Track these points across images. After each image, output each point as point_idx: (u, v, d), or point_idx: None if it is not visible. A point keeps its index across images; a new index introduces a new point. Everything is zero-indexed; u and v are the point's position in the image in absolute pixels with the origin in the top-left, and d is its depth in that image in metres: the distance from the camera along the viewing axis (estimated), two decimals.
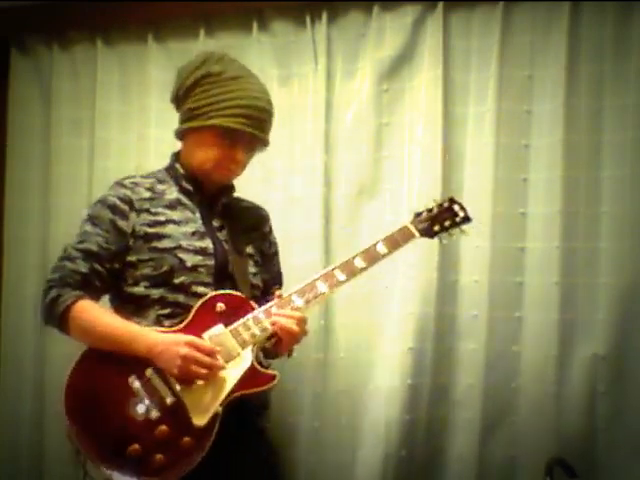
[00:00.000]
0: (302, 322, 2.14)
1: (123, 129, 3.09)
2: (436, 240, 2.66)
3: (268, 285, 2.32)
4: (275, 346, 2.17)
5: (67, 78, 3.15)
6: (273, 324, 2.10)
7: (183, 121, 2.24)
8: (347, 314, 2.81)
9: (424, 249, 2.69)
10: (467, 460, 2.66)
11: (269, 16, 2.94)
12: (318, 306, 2.73)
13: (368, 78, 2.83)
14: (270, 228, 2.42)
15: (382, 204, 2.82)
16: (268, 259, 2.37)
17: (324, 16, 2.85)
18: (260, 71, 2.87)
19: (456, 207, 2.34)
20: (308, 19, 2.87)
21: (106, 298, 2.24)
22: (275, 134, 2.90)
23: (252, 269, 2.26)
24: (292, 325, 2.10)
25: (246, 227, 2.31)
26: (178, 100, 2.26)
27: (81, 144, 3.13)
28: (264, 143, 2.25)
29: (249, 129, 2.16)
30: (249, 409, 2.15)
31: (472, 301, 2.70)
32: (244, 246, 2.26)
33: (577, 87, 2.62)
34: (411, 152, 2.79)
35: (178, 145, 2.98)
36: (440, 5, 2.73)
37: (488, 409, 2.66)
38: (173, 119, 3.01)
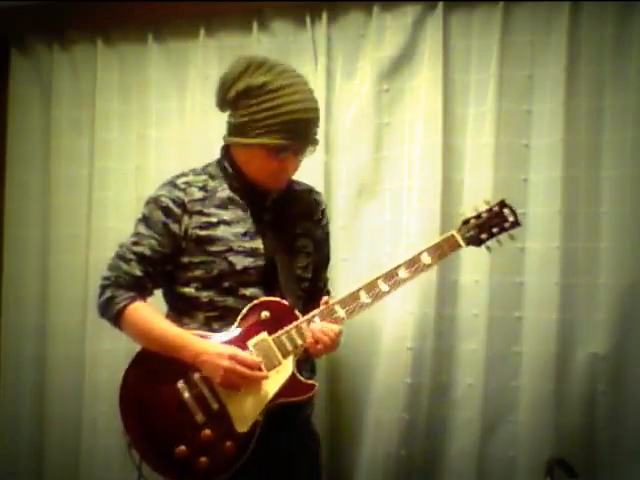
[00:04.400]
0: (338, 336, 2.16)
1: (123, 129, 3.09)
2: (435, 239, 2.67)
3: (318, 270, 2.35)
4: (306, 352, 2.20)
5: (67, 78, 3.15)
6: (311, 336, 2.13)
7: (230, 134, 2.22)
8: None
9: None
10: (467, 460, 2.66)
11: (269, 16, 2.94)
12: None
13: (368, 78, 2.83)
14: (323, 212, 2.40)
15: (382, 204, 2.82)
16: (319, 245, 2.36)
17: (324, 16, 2.86)
18: None
19: (506, 211, 2.24)
20: (308, 19, 2.88)
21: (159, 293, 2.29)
22: None
23: (303, 262, 2.28)
24: (327, 341, 2.13)
25: (298, 215, 2.31)
26: (222, 108, 2.25)
27: (81, 144, 3.14)
28: (314, 144, 2.23)
29: (297, 141, 2.15)
30: (290, 407, 2.18)
31: (472, 301, 2.70)
32: (296, 239, 2.28)
33: (577, 87, 2.62)
34: (411, 152, 2.79)
35: (179, 145, 3.02)
36: (440, 5, 2.73)
37: (488, 409, 2.66)
38: (173, 119, 3.04)
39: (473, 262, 2.69)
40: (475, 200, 2.66)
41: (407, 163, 2.80)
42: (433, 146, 2.72)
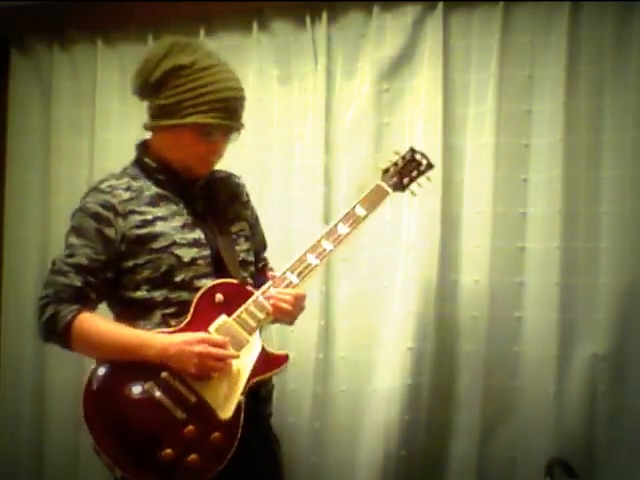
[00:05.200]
0: (299, 299, 2.14)
1: (123, 129, 3.09)
2: (435, 239, 2.68)
3: (258, 252, 2.32)
4: (277, 320, 2.18)
5: (67, 78, 3.15)
6: (272, 306, 2.09)
7: (155, 117, 2.14)
8: (347, 314, 2.81)
9: (424, 249, 2.70)
10: (467, 460, 2.66)
11: (269, 16, 2.94)
12: (318, 306, 2.76)
13: (368, 78, 2.83)
14: (247, 195, 2.35)
15: (382, 204, 2.81)
16: (253, 227, 2.33)
17: (324, 16, 2.85)
18: (260, 71, 2.90)
19: (418, 156, 2.39)
20: (308, 19, 2.87)
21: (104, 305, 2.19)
22: (275, 134, 2.93)
23: (244, 246, 2.23)
24: (288, 305, 2.09)
25: (227, 200, 2.27)
26: (144, 93, 2.17)
27: (81, 144, 3.14)
28: (240, 128, 2.17)
29: (227, 122, 2.10)
30: (257, 397, 2.14)
31: (472, 301, 2.69)
32: (230, 224, 2.23)
33: (577, 87, 2.62)
34: None
35: None
36: (440, 5, 2.73)
37: (488, 409, 2.66)
38: None
39: (473, 262, 2.69)
40: (475, 200, 2.70)
41: None
42: (433, 146, 2.71)
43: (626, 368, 2.56)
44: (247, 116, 2.93)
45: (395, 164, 2.36)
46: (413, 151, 2.39)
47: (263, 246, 2.39)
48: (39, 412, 3.12)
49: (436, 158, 2.70)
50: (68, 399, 3.04)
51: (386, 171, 2.35)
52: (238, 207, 2.28)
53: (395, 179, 2.34)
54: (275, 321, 2.18)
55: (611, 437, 2.56)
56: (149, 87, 2.12)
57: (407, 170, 2.36)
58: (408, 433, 2.68)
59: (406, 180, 2.36)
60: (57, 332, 2.04)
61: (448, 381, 2.72)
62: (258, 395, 2.13)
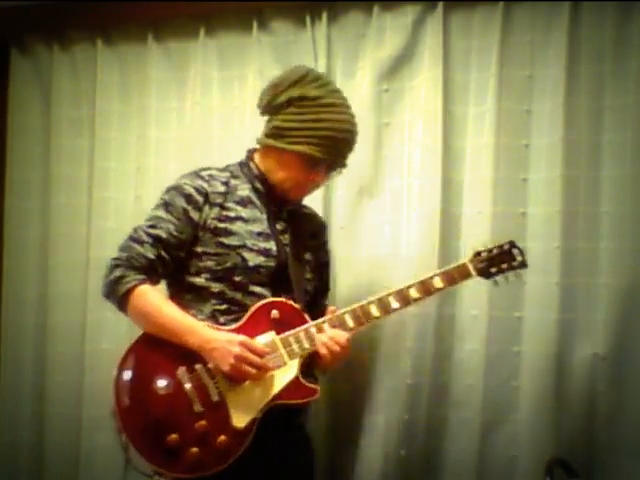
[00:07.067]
0: (348, 344, 2.18)
1: (123, 129, 3.09)
2: (435, 239, 2.68)
3: (317, 291, 2.38)
4: (317, 360, 2.21)
5: (67, 78, 3.15)
6: (322, 344, 2.14)
7: (268, 136, 2.26)
8: None
9: (424, 249, 2.70)
10: (467, 460, 2.66)
11: (269, 16, 2.94)
12: None
13: (368, 78, 2.83)
14: (327, 238, 2.50)
15: (382, 204, 2.82)
16: (321, 267, 2.42)
17: (324, 16, 2.85)
18: (260, 71, 2.89)
19: (515, 251, 2.32)
20: (308, 19, 2.87)
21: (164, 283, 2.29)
22: None
23: (308, 275, 2.32)
24: (338, 348, 2.15)
25: (307, 234, 2.37)
26: (266, 111, 2.28)
27: (81, 144, 3.14)
28: (344, 165, 2.31)
29: (333, 158, 2.23)
30: (291, 407, 2.18)
31: (472, 301, 2.69)
32: (303, 252, 2.32)
33: (577, 87, 2.62)
34: (411, 152, 2.79)
35: (179, 145, 3.01)
36: (440, 5, 2.73)
37: (488, 409, 2.66)
38: (173, 119, 3.04)
39: None
40: (475, 200, 2.70)
41: (407, 163, 2.80)
42: (433, 146, 2.71)
43: (626, 368, 2.56)
44: (247, 116, 2.95)
45: (490, 251, 2.30)
46: (512, 245, 2.32)
47: (325, 289, 2.46)
48: (39, 412, 3.11)
49: (436, 158, 2.71)
50: (68, 401, 3.05)
51: (478, 254, 2.29)
52: (315, 243, 2.40)
53: (484, 264, 2.28)
54: (312, 359, 2.19)
55: (611, 437, 2.56)
56: (272, 107, 2.24)
57: (499, 260, 2.30)
58: (408, 433, 2.68)
59: (494, 269, 2.30)
60: (118, 294, 2.16)
61: (448, 381, 2.71)
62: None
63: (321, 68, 2.83)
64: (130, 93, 3.11)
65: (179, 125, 3.02)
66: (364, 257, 2.82)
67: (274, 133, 2.24)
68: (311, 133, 2.18)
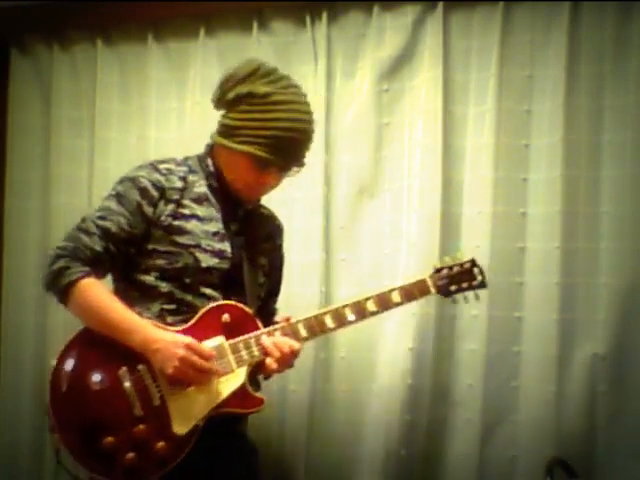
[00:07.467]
0: (295, 355, 2.09)
1: (123, 129, 3.09)
2: (435, 239, 2.68)
3: (268, 295, 2.29)
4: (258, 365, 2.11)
5: (67, 78, 3.15)
6: (270, 351, 2.05)
7: (219, 133, 2.14)
8: None
9: (424, 249, 2.70)
10: (467, 460, 2.66)
11: (269, 16, 2.94)
12: (318, 306, 2.75)
13: (368, 78, 2.83)
14: (282, 241, 2.37)
15: (382, 204, 2.82)
16: (274, 270, 2.32)
17: (324, 16, 2.86)
18: None
19: (476, 270, 2.24)
20: (308, 19, 2.88)
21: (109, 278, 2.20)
22: None
23: (261, 279, 2.23)
24: (280, 356, 2.05)
25: (262, 236, 2.27)
26: (217, 105, 2.16)
27: (81, 144, 3.14)
28: (300, 165, 2.16)
29: (282, 159, 2.08)
30: (229, 417, 2.08)
31: (472, 301, 2.69)
32: (257, 256, 2.22)
33: (577, 87, 2.62)
34: (411, 152, 2.79)
35: (179, 145, 3.01)
36: (440, 5, 2.73)
37: (488, 409, 2.66)
38: (173, 119, 3.04)
39: None
40: (475, 200, 2.70)
41: (407, 163, 2.80)
42: (433, 146, 2.71)
43: (626, 368, 2.56)
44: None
45: (450, 268, 2.22)
46: (473, 264, 2.24)
47: (275, 292, 2.35)
48: (39, 412, 3.11)
49: (436, 158, 2.71)
50: None
51: (438, 271, 2.21)
52: (270, 246, 2.29)
53: (443, 282, 2.21)
54: (257, 366, 2.09)
55: (611, 437, 2.56)
56: (221, 103, 2.13)
57: (459, 279, 2.22)
58: (408, 433, 2.68)
59: (453, 287, 2.22)
60: (60, 286, 2.03)
61: (448, 381, 2.72)
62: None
63: (321, 68, 2.84)
64: (130, 93, 3.11)
65: (179, 125, 3.03)
66: (364, 257, 2.82)
67: (224, 131, 2.11)
68: (258, 133, 2.04)
